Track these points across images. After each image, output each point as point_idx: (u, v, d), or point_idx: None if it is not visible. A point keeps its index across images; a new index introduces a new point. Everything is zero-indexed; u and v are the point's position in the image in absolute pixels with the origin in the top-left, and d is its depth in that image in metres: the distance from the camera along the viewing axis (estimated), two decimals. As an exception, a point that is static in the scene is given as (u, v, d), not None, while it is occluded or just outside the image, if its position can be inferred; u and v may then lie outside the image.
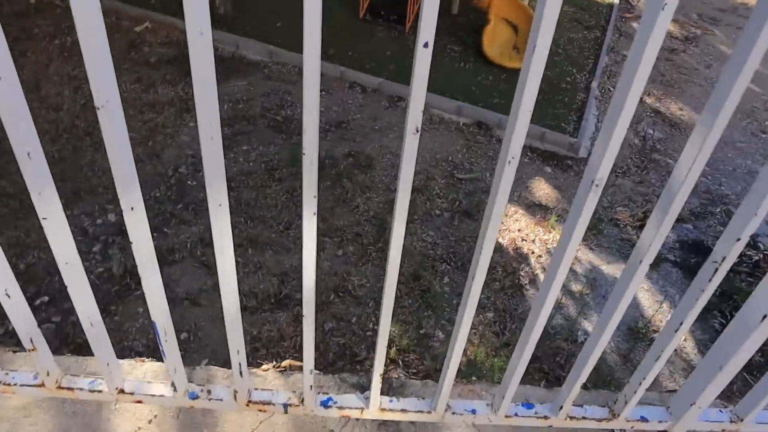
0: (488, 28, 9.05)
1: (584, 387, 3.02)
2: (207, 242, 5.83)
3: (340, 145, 7.30)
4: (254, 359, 4.87)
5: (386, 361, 4.86)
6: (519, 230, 6.48)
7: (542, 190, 7.08)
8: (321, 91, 8.18)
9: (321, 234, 6.09)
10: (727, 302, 6.01)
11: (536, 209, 6.79)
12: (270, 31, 9.03)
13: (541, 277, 5.99)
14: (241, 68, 8.53)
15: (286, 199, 6.44)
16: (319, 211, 6.22)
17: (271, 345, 5.00)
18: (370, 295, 5.57)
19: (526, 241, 6.36)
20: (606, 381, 5.06)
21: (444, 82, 8.46)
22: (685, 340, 5.64)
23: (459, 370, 4.65)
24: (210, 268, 5.59)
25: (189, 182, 6.57)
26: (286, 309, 5.31)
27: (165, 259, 5.63)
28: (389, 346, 5.09)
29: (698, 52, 10.62)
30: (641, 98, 8.76)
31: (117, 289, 5.34)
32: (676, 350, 5.53)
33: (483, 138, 7.78)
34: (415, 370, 4.99)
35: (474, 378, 4.79)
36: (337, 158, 7.07)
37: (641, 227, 6.76)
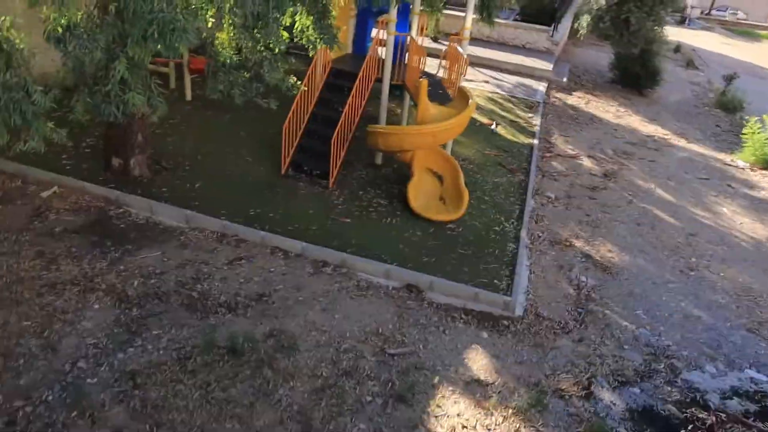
0: (413, 181, 8.95)
1: None
2: (109, 471, 5.07)
3: (260, 323, 6.75)
4: None
5: None
6: (458, 414, 5.98)
7: (480, 361, 6.66)
8: (240, 259, 7.77)
9: (239, 441, 5.43)
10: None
11: (475, 386, 6.33)
12: (188, 193, 8.64)
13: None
14: (155, 236, 8.01)
15: (200, 397, 5.77)
16: (236, 409, 5.60)
17: None
18: None
19: (466, 428, 5.84)
20: None
21: (371, 241, 8.17)
22: None
23: None
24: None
25: (89, 380, 5.83)
26: None
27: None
28: None
29: (618, 188, 10.82)
30: (570, 242, 8.70)
31: None
32: None
33: (414, 303, 7.41)
34: None
35: None
36: (257, 341, 6.50)
37: (587, 396, 6.38)
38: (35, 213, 8.09)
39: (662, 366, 6.95)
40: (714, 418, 6.27)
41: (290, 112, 9.11)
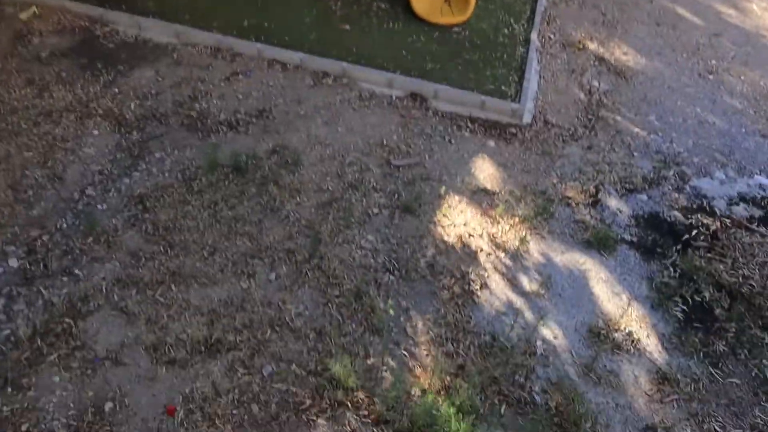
0: (416, -19, 8.26)
1: None
2: (125, 283, 5.25)
3: (263, 140, 6.63)
4: (189, 424, 4.43)
5: (334, 404, 4.49)
6: (465, 224, 6.03)
7: (486, 170, 6.60)
8: (237, 74, 7.45)
9: (249, 256, 5.56)
10: (687, 285, 5.76)
11: (481, 195, 6.33)
12: (177, 6, 8.07)
13: (493, 279, 5.61)
14: (146, 54, 7.62)
15: (209, 216, 5.83)
16: (245, 227, 5.68)
17: (206, 404, 4.55)
18: (310, 325, 5.12)
19: (473, 236, 5.93)
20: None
21: (373, 48, 7.76)
22: (648, 336, 5.38)
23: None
24: (131, 315, 5.03)
25: (99, 206, 5.88)
26: (218, 357, 4.83)
27: (78, 311, 5.03)
28: (335, 387, 4.69)
29: (639, -18, 9.99)
30: (584, 45, 8.24)
31: (27, 355, 4.77)
32: (639, 350, 5.28)
33: (419, 112, 7.19)
34: (365, 412, 4.63)
35: None
36: (260, 158, 6.42)
37: (594, 204, 6.39)
38: (17, 37, 7.63)
39: (671, 173, 6.87)
40: (719, 224, 6.31)
41: None
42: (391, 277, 5.54)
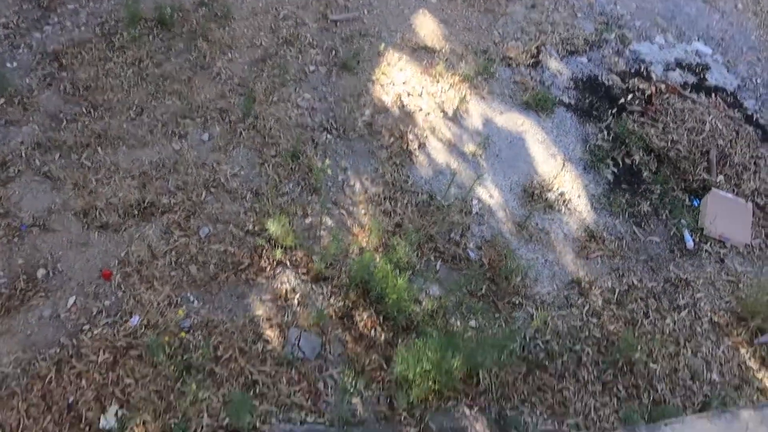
0: None
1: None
2: (46, 147, 4.94)
3: (190, -11, 6.14)
4: (126, 287, 4.39)
5: (273, 263, 4.52)
6: (404, 82, 5.89)
7: (427, 27, 6.37)
8: None
9: (180, 116, 5.31)
10: (619, 148, 5.89)
11: (422, 53, 6.14)
12: None
13: (431, 138, 5.58)
14: None
15: (134, 74, 5.47)
16: (174, 85, 5.38)
17: (142, 267, 4.50)
18: (246, 186, 5.03)
19: (412, 96, 5.81)
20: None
21: None
22: (579, 196, 5.54)
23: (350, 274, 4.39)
24: (56, 180, 4.78)
25: (8, 64, 5.41)
26: (153, 220, 4.72)
27: (-3, 177, 4.76)
28: (273, 247, 4.70)
29: None
30: None
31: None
32: (570, 209, 5.46)
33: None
34: (304, 270, 4.69)
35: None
36: (187, 10, 5.98)
37: (535, 65, 6.32)
38: None
39: (613, 36, 6.82)
40: (654, 89, 6.38)
41: None
42: (329, 136, 5.43)
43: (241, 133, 5.28)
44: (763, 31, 7.46)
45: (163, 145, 5.11)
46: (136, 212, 4.69)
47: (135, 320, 4.21)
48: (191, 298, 4.40)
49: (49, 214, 4.60)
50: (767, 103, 6.80)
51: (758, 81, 6.99)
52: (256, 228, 4.78)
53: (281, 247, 4.67)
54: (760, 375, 4.94)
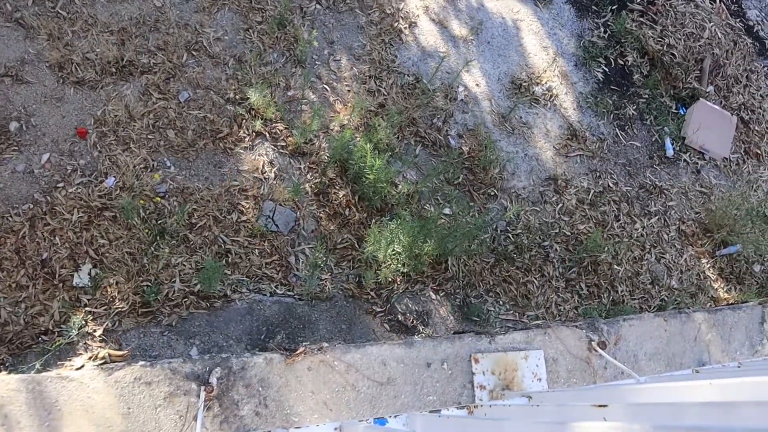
0: None
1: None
2: (19, -11, 4.68)
3: None
4: (102, 147, 4.33)
5: (252, 134, 4.49)
6: (402, -44, 5.60)
7: None
8: None
9: (163, -30, 5.02)
10: (614, 47, 5.76)
11: (423, -75, 5.80)
12: None
13: (423, 19, 5.39)
14: None
15: None
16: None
17: (119, 128, 4.42)
18: (229, 51, 4.87)
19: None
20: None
21: None
22: (566, 93, 5.48)
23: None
24: (29, 29, 4.56)
25: None
26: (131, 79, 4.58)
27: (-35, 20, 4.53)
28: (254, 117, 4.64)
29: None
30: None
31: None
32: (556, 105, 5.41)
33: None
34: (283, 143, 4.66)
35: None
36: None
37: (539, -53, 6.02)
38: None
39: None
40: (658, -15, 6.17)
41: None
42: (318, 6, 5.22)
43: (229, -3, 5.04)
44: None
45: (144, 0, 4.87)
46: (114, 70, 4.54)
47: (110, 182, 4.19)
48: (168, 163, 4.37)
49: (22, 64, 4.42)
50: (771, 15, 6.65)
51: (765, -10, 6.80)
52: (237, 96, 4.68)
53: (261, 118, 4.61)
54: (716, 285, 5.16)
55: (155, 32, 4.78)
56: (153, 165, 4.33)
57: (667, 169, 5.52)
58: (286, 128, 4.66)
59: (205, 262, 4.02)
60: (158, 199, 4.20)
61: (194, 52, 4.78)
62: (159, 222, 4.12)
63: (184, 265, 4.06)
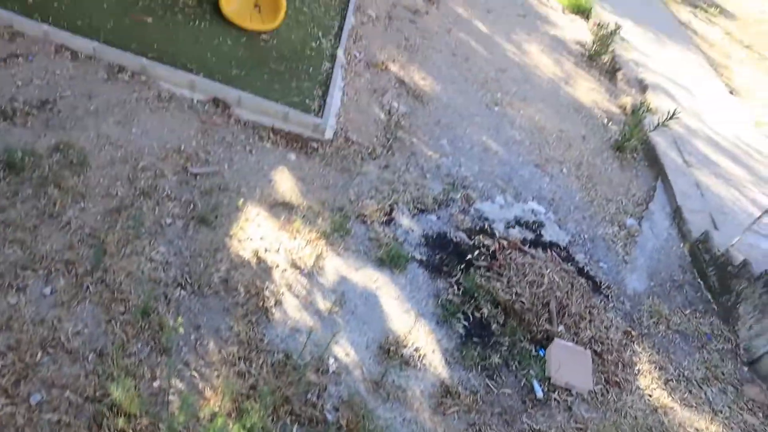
0: (226, -18, 8.00)
1: None
2: None
3: (44, 135, 5.98)
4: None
5: (112, 435, 4.16)
6: (262, 238, 5.96)
7: (286, 184, 6.58)
8: (16, 56, 6.66)
9: (20, 267, 4.97)
10: (469, 302, 6.22)
11: (280, 209, 6.29)
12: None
13: (288, 296, 5.60)
14: None
15: (-29, 220, 5.13)
16: (17, 233, 5.08)
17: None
18: (89, 345, 4.71)
19: (270, 251, 5.87)
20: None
21: (176, 46, 7.37)
22: (433, 351, 5.72)
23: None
24: None
25: None
26: (-26, 384, 4.25)
27: None
28: (116, 414, 4.36)
29: (439, 14, 10.64)
30: (386, 66, 8.57)
31: None
32: (425, 365, 5.59)
33: (221, 119, 6.97)
34: (149, 440, 4.36)
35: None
36: (40, 155, 5.79)
37: (388, 222, 6.66)
38: None
39: (459, 195, 7.40)
40: (497, 245, 6.92)
41: None
42: (183, 292, 5.30)
43: (88, 287, 5.01)
44: (585, 193, 8.43)
45: (-3, 298, 4.73)
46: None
47: None
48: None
49: None
50: (595, 257, 7.55)
51: (585, 236, 7.79)
52: (98, 393, 4.43)
53: (125, 415, 4.34)
54: None
55: (6, 331, 4.58)
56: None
57: (541, 410, 5.69)
58: (152, 423, 4.40)
59: None
60: None
61: (50, 349, 4.58)
62: None
63: None
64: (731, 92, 12.99)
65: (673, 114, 9.17)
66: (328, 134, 7.39)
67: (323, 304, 5.64)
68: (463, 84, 9.31)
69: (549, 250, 7.23)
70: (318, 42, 8.46)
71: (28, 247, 5.09)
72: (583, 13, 13.19)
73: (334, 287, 5.83)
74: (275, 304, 5.47)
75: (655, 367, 6.57)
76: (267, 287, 5.56)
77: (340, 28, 8.87)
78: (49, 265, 5.06)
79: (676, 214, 8.70)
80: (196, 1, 8.12)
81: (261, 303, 5.42)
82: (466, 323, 6.06)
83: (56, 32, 6.94)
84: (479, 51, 10.25)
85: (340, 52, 8.39)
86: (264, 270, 5.70)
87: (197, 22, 7.87)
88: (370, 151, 7.48)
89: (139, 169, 6.06)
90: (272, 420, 4.66)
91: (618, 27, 11.43)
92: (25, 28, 6.88)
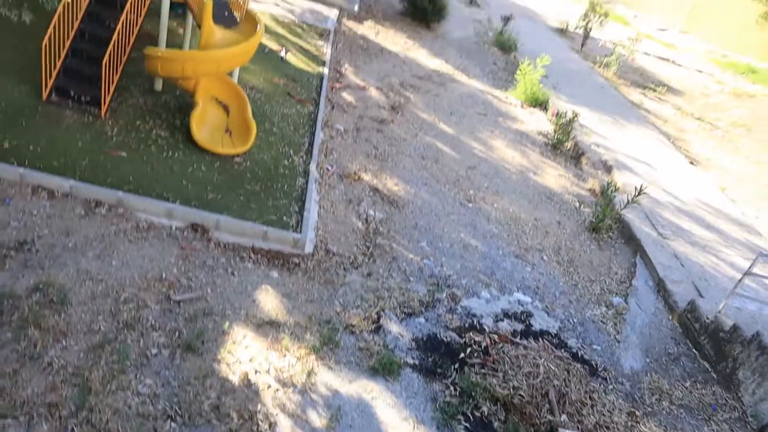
0: (196, 111, 8.30)
1: None
2: None
3: (23, 277, 5.94)
4: None
5: None
6: (251, 360, 5.85)
7: (271, 302, 6.55)
8: (-9, 201, 6.69)
9: (0, 416, 4.79)
10: (467, 402, 6.08)
11: (267, 328, 6.23)
12: None
13: (282, 417, 5.44)
14: None
15: (-50, 372, 4.98)
16: (-5, 379, 4.90)
17: None
18: (76, 495, 4.47)
19: (260, 373, 5.75)
20: None
21: (151, 177, 7.52)
22: (437, 461, 5.53)
23: None
24: None
25: None
26: None
27: None
28: None
29: (404, 121, 11.09)
30: (359, 176, 8.79)
31: None
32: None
33: (200, 244, 7.01)
34: None
35: None
36: (19, 296, 5.72)
37: (377, 330, 6.60)
38: None
39: (444, 295, 7.41)
40: (488, 340, 6.86)
41: (50, 27, 7.82)
42: (173, 424, 5.12)
43: (73, 429, 4.83)
44: (568, 278, 8.49)
45: (-25, 454, 4.52)
46: None
47: None
48: None
49: None
50: (587, 340, 7.50)
51: (575, 321, 7.77)
52: None
53: None
54: None
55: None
56: None
57: None
58: None
59: None
60: None
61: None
62: None
63: None
64: (691, 162, 13.50)
65: (641, 190, 9.46)
66: (308, 248, 7.45)
67: (319, 421, 5.48)
68: (435, 185, 9.55)
69: (540, 339, 7.18)
70: (290, 159, 8.70)
71: (8, 393, 4.93)
72: (541, 105, 13.86)
73: (328, 402, 5.68)
74: (270, 427, 5.30)
75: (666, 447, 6.39)
76: (260, 410, 5.40)
77: (311, 144, 9.16)
78: (31, 409, 4.88)
79: (660, 287, 8.78)
80: (169, 132, 8.37)
81: (255, 427, 5.25)
82: (467, 425, 5.90)
83: (32, 174, 7.07)
84: (447, 152, 10.59)
85: (312, 167, 8.62)
86: (255, 392, 5.56)
87: (171, 152, 8.08)
88: (351, 260, 7.53)
89: (121, 301, 6.01)
90: None
91: (576, 114, 11.99)
92: (1, 173, 6.99)
